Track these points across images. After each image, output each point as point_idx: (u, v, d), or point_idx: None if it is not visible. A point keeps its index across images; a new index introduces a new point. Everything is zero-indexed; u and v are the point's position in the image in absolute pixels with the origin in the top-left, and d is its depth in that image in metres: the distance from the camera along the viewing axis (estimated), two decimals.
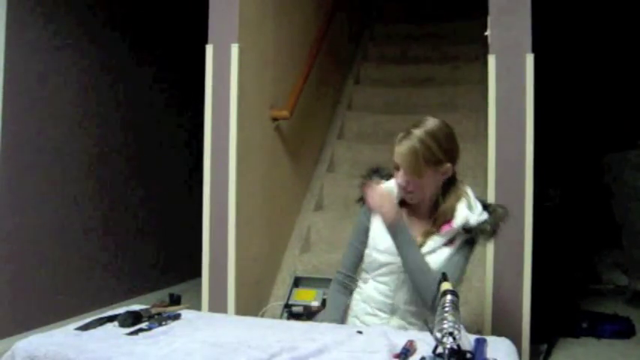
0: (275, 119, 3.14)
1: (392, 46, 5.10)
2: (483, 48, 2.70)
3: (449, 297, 1.38)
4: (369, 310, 1.93)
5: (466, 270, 1.88)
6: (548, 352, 3.15)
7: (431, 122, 1.82)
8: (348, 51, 4.77)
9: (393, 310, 1.90)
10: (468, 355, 1.33)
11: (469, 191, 1.88)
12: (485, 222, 1.81)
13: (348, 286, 2.01)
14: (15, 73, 3.28)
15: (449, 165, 1.82)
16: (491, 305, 2.41)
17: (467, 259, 1.86)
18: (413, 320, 1.88)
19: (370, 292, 1.93)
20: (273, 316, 2.87)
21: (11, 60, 3.26)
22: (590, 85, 5.03)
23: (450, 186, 1.86)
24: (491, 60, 2.44)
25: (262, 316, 2.91)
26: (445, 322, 1.29)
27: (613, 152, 4.52)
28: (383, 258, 1.89)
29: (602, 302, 4.22)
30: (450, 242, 1.83)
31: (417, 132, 1.78)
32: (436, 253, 1.82)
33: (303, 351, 1.49)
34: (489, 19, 2.47)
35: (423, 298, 1.78)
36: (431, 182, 1.82)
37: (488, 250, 2.42)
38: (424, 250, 1.82)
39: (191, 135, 4.09)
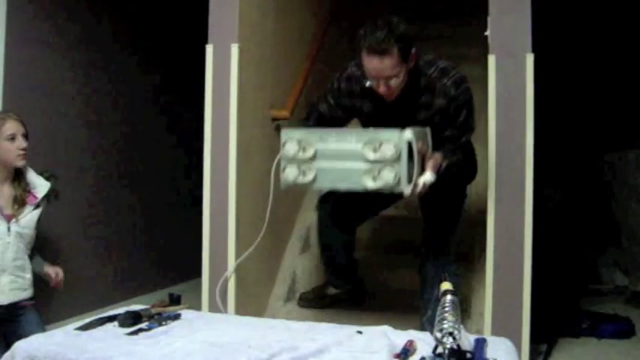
0: (275, 119, 3.14)
1: None
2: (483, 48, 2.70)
3: (449, 297, 1.39)
4: None
5: None
6: (548, 352, 3.15)
7: None
8: (347, 50, 4.76)
9: (2, 269, 2.35)
10: (468, 355, 1.33)
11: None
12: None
13: None
14: (15, 73, 3.27)
15: None
16: (491, 305, 2.41)
17: None
18: (20, 273, 2.42)
19: None
20: (273, 316, 2.87)
21: (11, 61, 3.25)
22: (589, 85, 5.02)
23: None
24: (491, 60, 2.44)
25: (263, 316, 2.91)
26: (445, 322, 1.29)
27: (613, 152, 4.51)
28: None
29: (602, 302, 4.22)
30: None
31: None
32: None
33: (303, 351, 1.49)
34: (489, 19, 2.47)
35: None
36: None
37: (488, 250, 2.42)
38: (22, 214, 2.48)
39: (191, 135, 4.09)
